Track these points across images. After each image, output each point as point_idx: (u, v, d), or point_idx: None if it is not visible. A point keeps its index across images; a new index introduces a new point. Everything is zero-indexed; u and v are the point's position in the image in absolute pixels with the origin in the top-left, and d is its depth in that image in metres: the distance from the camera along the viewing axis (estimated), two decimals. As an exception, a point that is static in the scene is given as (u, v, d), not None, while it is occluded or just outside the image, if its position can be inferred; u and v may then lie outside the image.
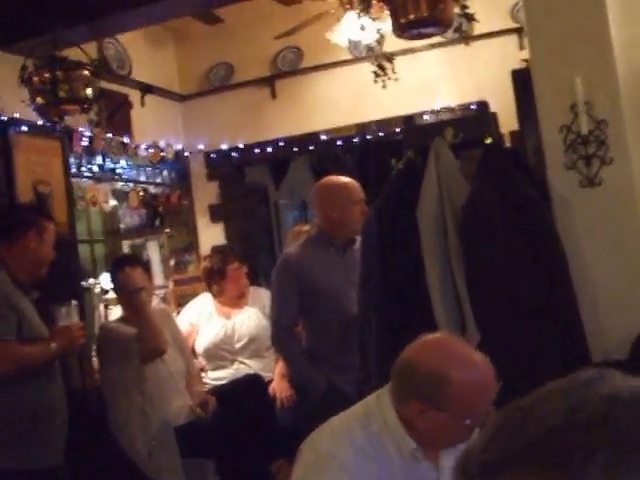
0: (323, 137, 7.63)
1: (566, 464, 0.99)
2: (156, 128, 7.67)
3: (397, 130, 7.21)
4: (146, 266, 5.68)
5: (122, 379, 5.25)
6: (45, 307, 4.66)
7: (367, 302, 4.11)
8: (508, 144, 6.12)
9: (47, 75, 5.32)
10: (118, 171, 7.22)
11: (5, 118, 5.60)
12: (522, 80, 4.62)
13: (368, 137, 7.40)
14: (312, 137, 7.71)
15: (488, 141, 4.32)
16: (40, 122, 5.71)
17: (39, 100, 5.38)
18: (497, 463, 1.05)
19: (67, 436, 4.56)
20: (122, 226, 8.01)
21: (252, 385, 5.88)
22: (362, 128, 7.44)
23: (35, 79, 5.34)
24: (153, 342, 5.19)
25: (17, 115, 5.67)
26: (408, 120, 6.76)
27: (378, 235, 4.20)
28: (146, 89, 7.56)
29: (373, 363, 3.82)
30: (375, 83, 6.45)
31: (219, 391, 5.77)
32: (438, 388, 2.45)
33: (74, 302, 4.74)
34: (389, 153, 5.61)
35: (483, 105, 6.90)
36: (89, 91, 5.45)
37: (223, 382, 6.16)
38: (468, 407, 2.46)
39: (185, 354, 5.74)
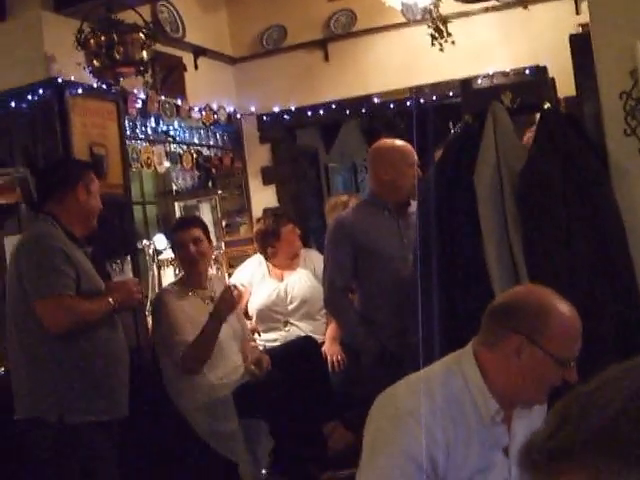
0: (376, 100, 7.58)
1: (630, 453, 0.98)
2: (209, 91, 7.67)
3: (451, 94, 7.16)
4: (207, 228, 5.68)
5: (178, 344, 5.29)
6: (99, 264, 4.69)
7: (423, 266, 4.09)
8: (563, 110, 6.04)
9: (103, 38, 5.34)
10: (171, 133, 7.25)
11: (61, 81, 5.62)
12: (580, 45, 4.54)
13: (421, 100, 7.32)
14: (364, 100, 7.65)
15: (546, 106, 4.27)
16: (96, 85, 5.72)
17: (95, 63, 5.41)
18: (564, 452, 1.04)
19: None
20: (175, 188, 8.04)
21: (306, 347, 5.89)
22: (415, 91, 7.37)
23: (91, 42, 5.37)
24: (202, 356, 5.23)
25: (73, 78, 5.69)
26: (462, 84, 6.68)
27: (435, 199, 4.18)
28: (199, 52, 7.55)
29: (428, 327, 3.81)
30: (432, 46, 6.40)
31: (273, 353, 5.79)
32: (540, 321, 2.51)
33: (127, 258, 4.76)
34: (443, 116, 5.57)
35: (537, 70, 6.79)
36: (144, 54, 5.46)
37: (275, 344, 6.17)
38: (561, 348, 2.52)
39: (239, 316, 5.76)
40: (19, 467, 4.49)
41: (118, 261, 4.85)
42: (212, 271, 7.11)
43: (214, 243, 7.50)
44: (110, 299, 4.46)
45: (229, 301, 5.22)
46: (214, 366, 5.25)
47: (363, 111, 7.80)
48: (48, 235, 4.40)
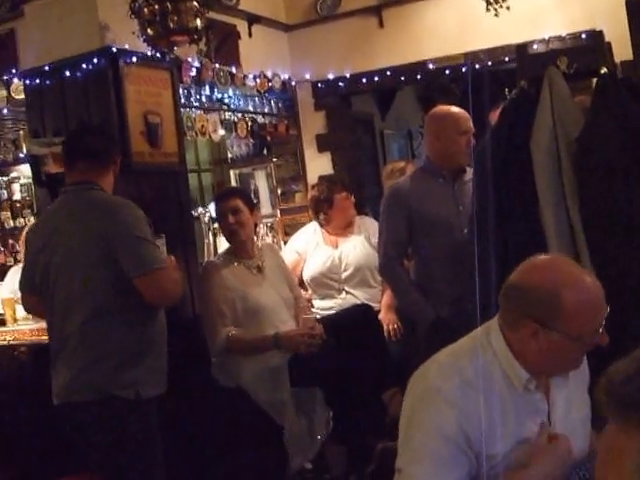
0: (431, 66, 7.48)
1: None
2: (263, 58, 7.62)
3: (506, 59, 7.04)
4: (249, 198, 5.65)
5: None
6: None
7: (480, 233, 4.05)
8: (620, 74, 5.93)
9: (157, 6, 5.29)
10: (226, 101, 7.24)
11: (116, 49, 5.61)
12: (637, 9, 4.47)
13: (476, 66, 7.21)
14: (420, 66, 7.54)
15: (603, 71, 4.20)
16: (150, 53, 5.71)
17: (149, 31, 5.37)
18: (636, 402, 1.02)
19: (179, 362, 4.59)
20: (230, 156, 8.04)
21: (362, 313, 5.87)
22: (470, 57, 7.27)
23: (145, 10, 5.33)
24: (244, 353, 5.24)
25: (127, 47, 5.68)
26: (518, 49, 6.56)
27: (491, 165, 4.12)
28: (253, 19, 7.50)
29: (484, 294, 3.77)
30: (487, 12, 6.30)
31: (329, 320, 5.77)
32: (551, 306, 2.45)
33: (162, 236, 4.70)
34: (498, 82, 5.48)
35: (593, 34, 6.66)
36: (198, 22, 5.41)
37: (331, 312, 6.14)
38: (580, 326, 2.45)
39: (292, 285, 5.75)
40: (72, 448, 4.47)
41: (159, 238, 4.78)
42: (267, 239, 7.12)
43: (270, 211, 7.53)
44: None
45: (294, 345, 5.21)
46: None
47: (418, 77, 7.69)
48: (130, 204, 4.26)
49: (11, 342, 5.65)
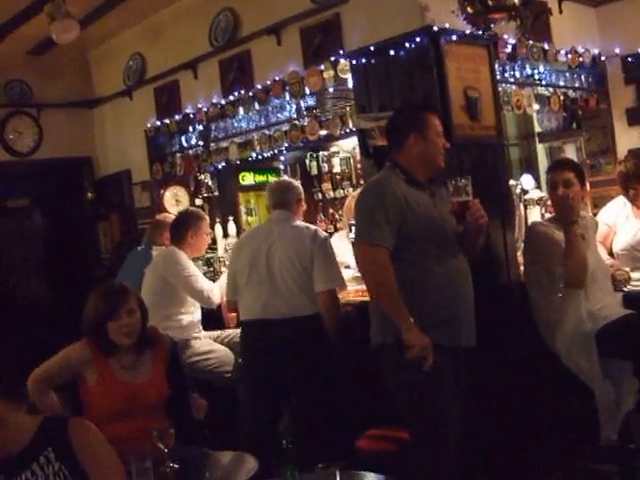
0: None
1: None
2: (572, 34, 7.53)
3: None
4: (581, 172, 5.50)
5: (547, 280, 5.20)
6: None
7: None
8: None
9: (476, -15, 5.29)
10: (536, 76, 7.19)
11: (436, 28, 5.67)
12: None
13: None
14: None
15: None
16: (468, 31, 5.71)
17: (469, 9, 5.37)
18: None
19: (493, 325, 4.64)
20: (538, 130, 7.94)
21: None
22: None
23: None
24: (574, 275, 5.03)
25: (447, 25, 5.73)
26: None
27: None
28: (564, -4, 7.38)
29: None
30: None
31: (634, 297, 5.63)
32: None
33: (468, 178, 4.52)
34: None
35: None
36: (515, -1, 5.36)
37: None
38: None
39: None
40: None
41: (455, 180, 4.62)
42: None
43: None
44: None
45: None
46: (588, 307, 5.13)
47: None
48: (382, 183, 4.44)
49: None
